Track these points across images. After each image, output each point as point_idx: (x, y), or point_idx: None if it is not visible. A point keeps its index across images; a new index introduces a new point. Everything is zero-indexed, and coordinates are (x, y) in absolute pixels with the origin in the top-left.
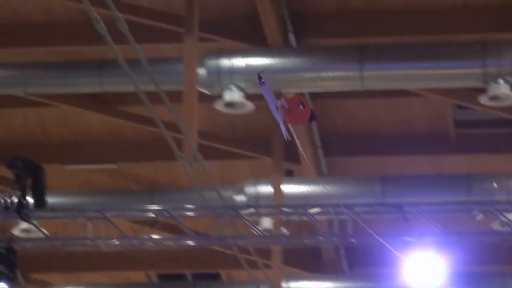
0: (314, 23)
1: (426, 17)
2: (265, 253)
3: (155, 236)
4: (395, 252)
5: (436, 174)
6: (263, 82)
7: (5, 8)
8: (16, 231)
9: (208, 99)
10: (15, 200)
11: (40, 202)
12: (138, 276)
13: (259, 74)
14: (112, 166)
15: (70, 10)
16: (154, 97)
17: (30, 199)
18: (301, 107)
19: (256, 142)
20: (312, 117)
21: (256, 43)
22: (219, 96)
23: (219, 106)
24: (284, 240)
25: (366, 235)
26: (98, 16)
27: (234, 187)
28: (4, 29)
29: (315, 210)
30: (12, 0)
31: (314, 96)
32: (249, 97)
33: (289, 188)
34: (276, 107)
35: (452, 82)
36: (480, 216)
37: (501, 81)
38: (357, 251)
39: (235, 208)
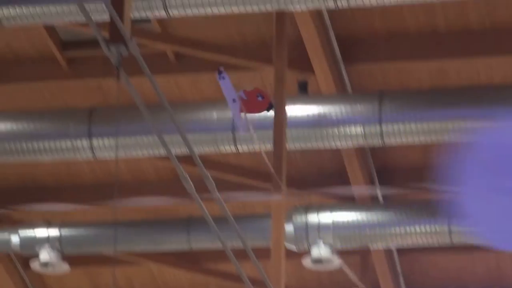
0: (400, 177)
1: None
2: None
3: None
4: None
5: None
6: (223, 77)
7: (96, 168)
8: None
9: (294, 254)
10: None
11: None
12: None
13: (219, 68)
14: None
15: (158, 168)
16: (241, 253)
17: None
18: (260, 98)
19: None
20: (270, 106)
21: (343, 198)
22: (306, 252)
23: (307, 263)
24: None
25: None
26: (186, 175)
27: None
28: (96, 188)
29: None
30: (102, 160)
31: (402, 251)
32: (336, 252)
33: None
34: (234, 100)
35: None
36: None
37: None
38: None
39: None
